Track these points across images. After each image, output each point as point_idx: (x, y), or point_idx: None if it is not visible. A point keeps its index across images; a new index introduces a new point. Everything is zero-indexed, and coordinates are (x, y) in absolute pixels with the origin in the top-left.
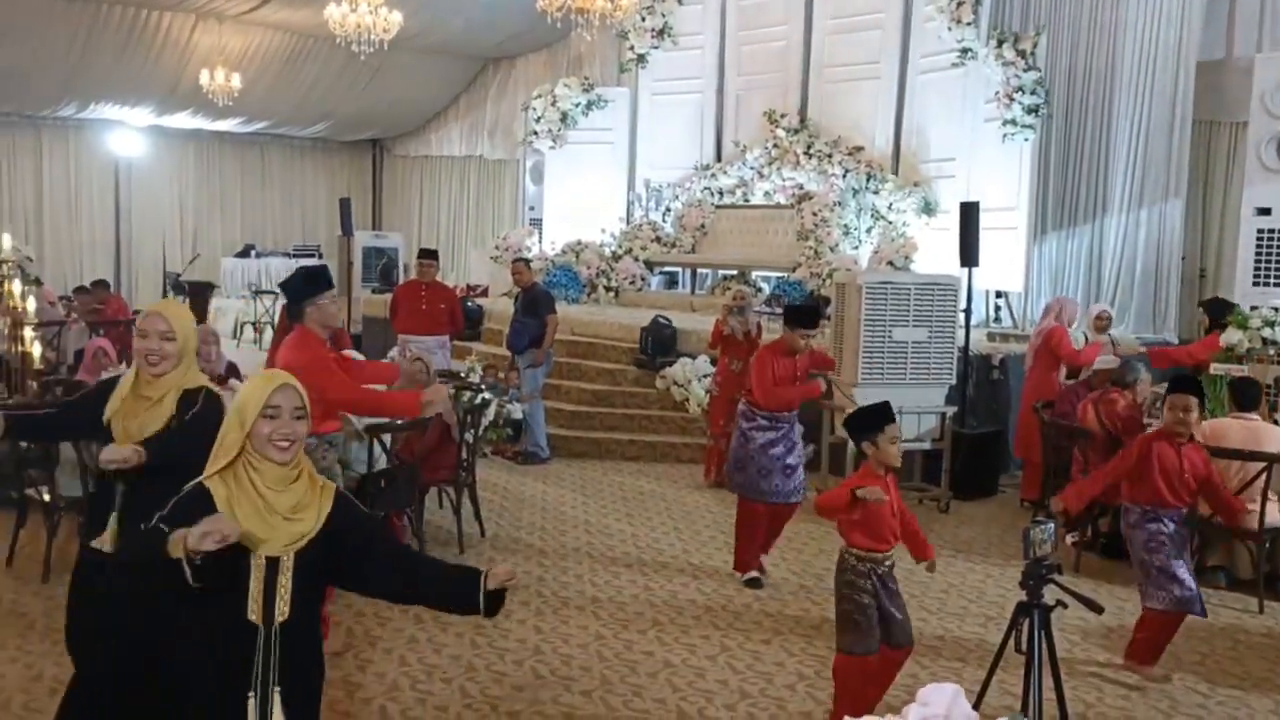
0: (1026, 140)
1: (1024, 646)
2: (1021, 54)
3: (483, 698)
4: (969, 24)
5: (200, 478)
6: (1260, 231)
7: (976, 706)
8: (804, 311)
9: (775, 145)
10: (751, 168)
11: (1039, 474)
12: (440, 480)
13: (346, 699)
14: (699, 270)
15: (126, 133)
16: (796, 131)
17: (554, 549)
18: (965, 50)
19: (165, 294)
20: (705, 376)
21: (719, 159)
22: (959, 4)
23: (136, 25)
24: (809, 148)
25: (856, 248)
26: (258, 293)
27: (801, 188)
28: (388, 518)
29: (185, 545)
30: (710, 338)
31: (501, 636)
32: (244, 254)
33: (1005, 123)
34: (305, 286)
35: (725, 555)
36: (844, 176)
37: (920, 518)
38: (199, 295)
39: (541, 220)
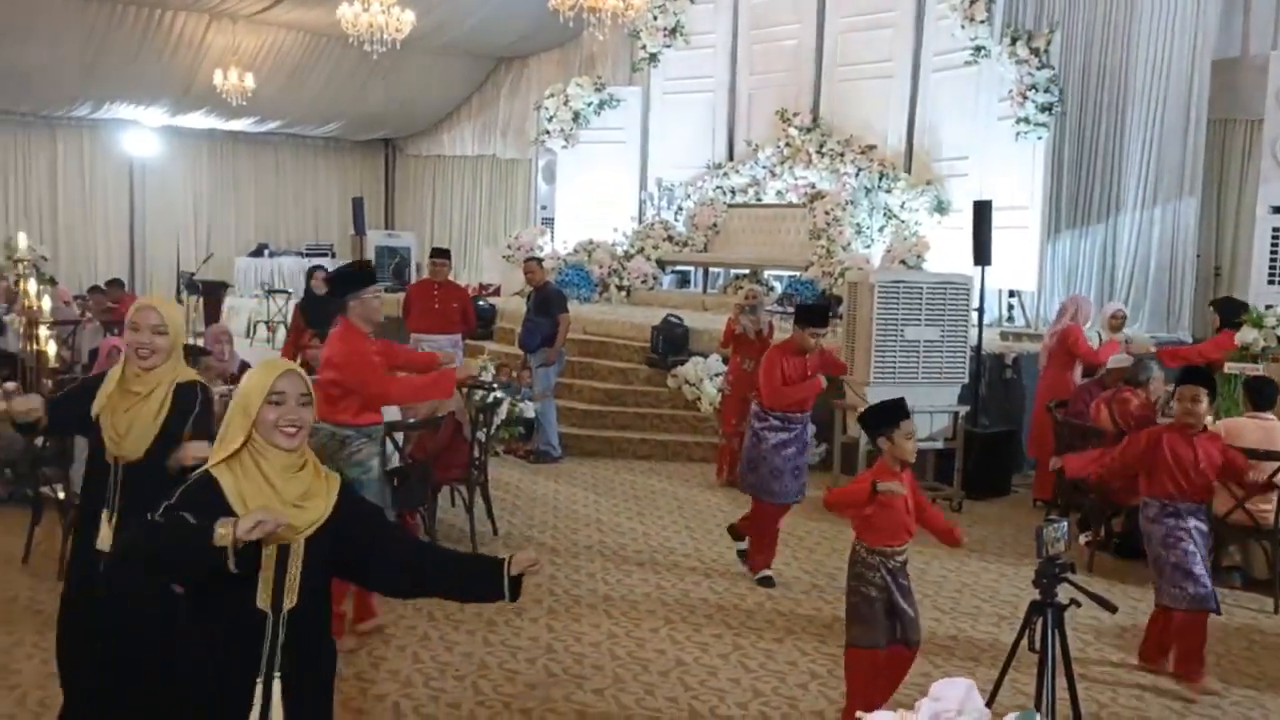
0: (1040, 138)
1: (1037, 645)
2: (1035, 52)
3: (495, 695)
4: (982, 22)
5: (205, 465)
6: (1276, 230)
7: (989, 705)
8: (814, 310)
9: (787, 144)
10: (763, 166)
11: (1052, 473)
12: (453, 479)
13: (360, 695)
14: (711, 269)
15: (141, 132)
16: (808, 130)
17: (566, 547)
18: (978, 48)
19: (179, 293)
20: (717, 375)
21: (731, 158)
22: (972, 2)
23: (151, 25)
24: (821, 146)
25: (869, 247)
26: (271, 292)
27: (814, 186)
28: (401, 516)
29: (235, 534)
30: (722, 337)
31: (514, 634)
32: (257, 253)
33: (1018, 121)
34: (349, 280)
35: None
36: (856, 175)
37: None
38: (212, 294)
39: (553, 219)
